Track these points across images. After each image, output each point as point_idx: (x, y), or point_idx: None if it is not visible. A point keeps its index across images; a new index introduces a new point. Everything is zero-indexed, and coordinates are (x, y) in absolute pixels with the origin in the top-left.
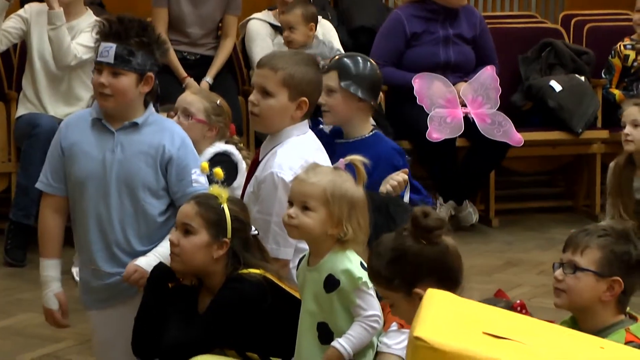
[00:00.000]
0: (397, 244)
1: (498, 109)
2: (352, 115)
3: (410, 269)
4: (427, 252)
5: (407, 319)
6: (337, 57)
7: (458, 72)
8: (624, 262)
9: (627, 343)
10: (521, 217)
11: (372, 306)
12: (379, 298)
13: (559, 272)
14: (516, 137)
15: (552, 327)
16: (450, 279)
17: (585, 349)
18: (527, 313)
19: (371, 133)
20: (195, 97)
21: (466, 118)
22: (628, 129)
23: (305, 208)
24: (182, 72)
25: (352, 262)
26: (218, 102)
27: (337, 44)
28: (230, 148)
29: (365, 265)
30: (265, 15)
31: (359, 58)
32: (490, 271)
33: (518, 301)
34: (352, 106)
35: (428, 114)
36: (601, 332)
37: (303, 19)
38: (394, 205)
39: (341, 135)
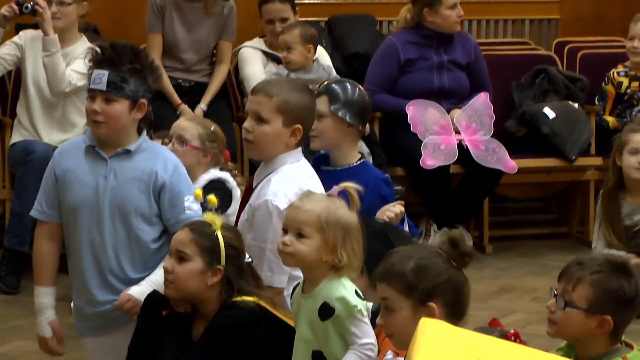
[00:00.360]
0: (429, 254)
1: (492, 136)
2: (340, 141)
3: (432, 283)
4: (451, 274)
5: (402, 328)
6: (326, 82)
7: (452, 98)
8: (616, 300)
9: None
10: (515, 243)
11: (367, 334)
12: (373, 325)
13: (551, 303)
14: (510, 164)
15: (547, 357)
16: (459, 307)
17: None
18: (521, 342)
19: (359, 162)
20: (190, 123)
21: (460, 145)
22: None
23: (299, 235)
24: (177, 99)
25: (347, 290)
26: (212, 128)
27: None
28: (225, 175)
29: (360, 293)
30: (257, 42)
31: (348, 84)
32: (485, 297)
33: (512, 330)
34: (341, 131)
35: (422, 141)
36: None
37: (301, 39)
38: (394, 234)
39: (326, 162)
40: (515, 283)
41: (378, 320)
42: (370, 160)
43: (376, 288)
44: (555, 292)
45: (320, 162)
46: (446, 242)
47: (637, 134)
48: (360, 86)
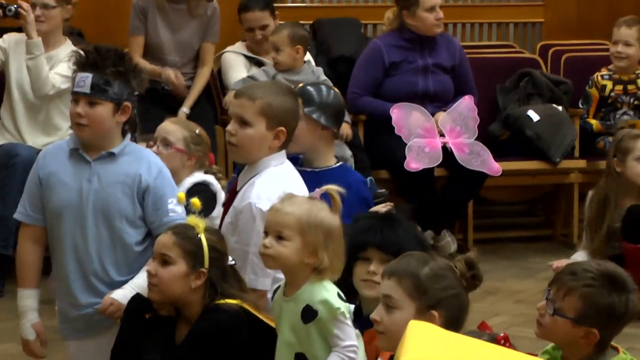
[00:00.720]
0: (445, 266)
1: (476, 139)
2: (315, 143)
3: (443, 293)
4: (461, 292)
5: (398, 328)
6: (301, 85)
7: (436, 101)
8: (605, 315)
9: None
10: (499, 246)
11: (349, 337)
12: (366, 328)
13: (542, 305)
14: (494, 167)
15: None
16: (456, 325)
17: None
18: (510, 346)
19: (338, 165)
20: (175, 126)
21: (444, 148)
22: None
23: (280, 238)
24: (157, 70)
25: (330, 292)
26: (197, 131)
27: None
28: (210, 178)
29: (343, 295)
30: (239, 47)
31: (322, 86)
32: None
33: (502, 334)
34: (316, 134)
35: (406, 144)
36: None
37: (289, 40)
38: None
39: (297, 163)
40: (499, 285)
41: (373, 315)
42: (352, 164)
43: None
44: (548, 294)
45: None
46: (462, 261)
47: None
48: (335, 88)
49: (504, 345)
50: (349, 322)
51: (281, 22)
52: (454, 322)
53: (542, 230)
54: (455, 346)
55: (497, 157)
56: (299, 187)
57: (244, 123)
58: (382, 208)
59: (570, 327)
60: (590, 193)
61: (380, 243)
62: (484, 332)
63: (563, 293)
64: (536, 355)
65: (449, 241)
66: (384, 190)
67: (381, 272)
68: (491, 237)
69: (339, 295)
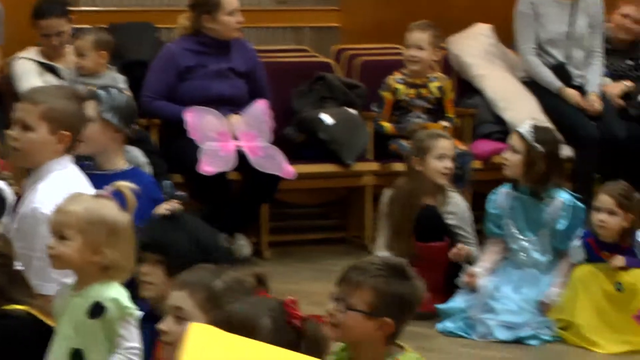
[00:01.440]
0: (238, 279)
1: (271, 143)
2: (107, 145)
3: (397, 301)
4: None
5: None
6: (91, 87)
7: (231, 105)
8: (396, 303)
9: None
10: (294, 248)
11: (134, 339)
12: (153, 336)
13: (332, 308)
14: (288, 170)
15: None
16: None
17: None
18: (295, 312)
19: (129, 168)
20: None
21: (239, 151)
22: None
23: (62, 237)
24: None
25: (120, 292)
26: None
27: None
28: (0, 183)
29: (130, 299)
30: (32, 53)
31: (113, 89)
32: None
33: (290, 298)
34: (108, 136)
35: (200, 148)
36: None
37: (93, 45)
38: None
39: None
40: (294, 287)
41: (161, 326)
42: (150, 171)
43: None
44: (335, 296)
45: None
46: (253, 276)
47: (442, 139)
48: (125, 91)
49: (292, 309)
50: (136, 325)
51: (85, 27)
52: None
53: (337, 233)
54: (236, 347)
55: (292, 160)
56: (85, 190)
57: (26, 127)
58: (167, 205)
59: (364, 321)
60: (386, 193)
61: (146, 243)
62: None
63: (353, 288)
64: None
65: (243, 244)
66: (183, 193)
67: (155, 273)
68: (286, 239)
69: (128, 298)
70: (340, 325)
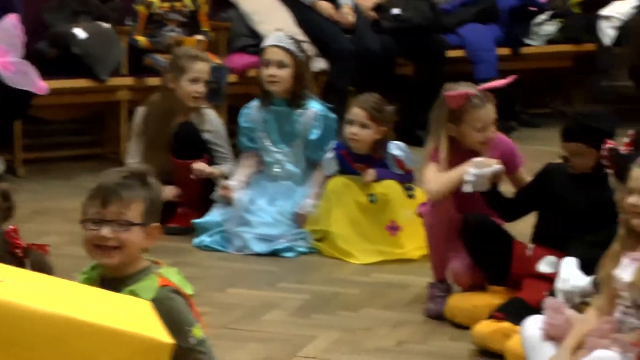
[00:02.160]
0: None
1: (23, 58)
2: None
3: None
4: None
5: None
6: None
7: None
8: (157, 208)
9: (162, 287)
10: (50, 166)
11: None
12: None
13: (107, 231)
14: (41, 85)
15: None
16: None
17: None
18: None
19: None
20: None
21: None
22: None
23: None
24: None
25: None
26: None
27: None
28: None
29: None
30: None
31: None
32: (19, 221)
33: None
34: None
35: None
36: (130, 279)
37: None
38: None
39: None
40: (49, 205)
41: None
42: None
43: None
44: (102, 218)
45: None
46: None
47: (198, 62)
48: None
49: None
50: None
51: None
52: None
53: (93, 149)
54: None
55: (46, 76)
56: None
57: None
58: None
59: (142, 233)
60: (140, 109)
61: None
62: None
63: (126, 204)
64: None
65: None
66: None
67: None
68: (42, 157)
69: None
70: (123, 246)
